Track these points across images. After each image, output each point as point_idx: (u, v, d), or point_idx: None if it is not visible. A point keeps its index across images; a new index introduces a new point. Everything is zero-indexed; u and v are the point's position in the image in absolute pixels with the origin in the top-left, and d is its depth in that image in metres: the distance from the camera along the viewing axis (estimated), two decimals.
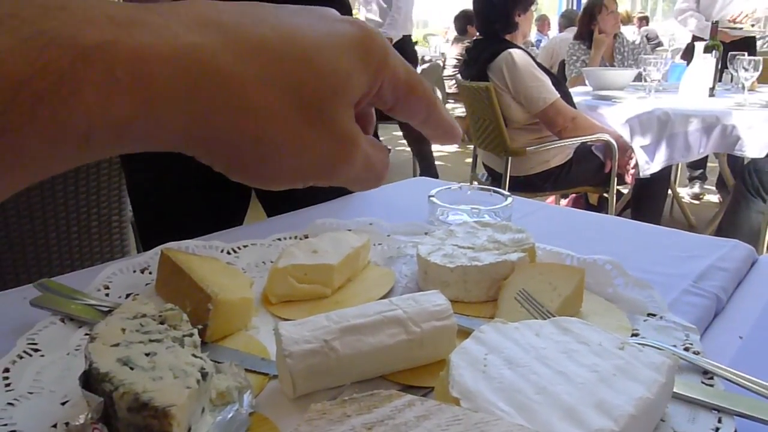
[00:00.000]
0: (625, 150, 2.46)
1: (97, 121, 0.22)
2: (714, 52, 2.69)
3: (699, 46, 2.74)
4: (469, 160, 3.32)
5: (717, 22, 2.90)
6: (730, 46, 3.27)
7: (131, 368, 0.39)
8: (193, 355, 0.42)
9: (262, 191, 1.10)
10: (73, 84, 0.21)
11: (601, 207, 2.88)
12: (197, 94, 0.24)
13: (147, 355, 0.41)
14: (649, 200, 2.84)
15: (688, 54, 3.40)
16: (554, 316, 0.50)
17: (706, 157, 2.98)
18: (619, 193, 3.03)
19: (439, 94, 5.93)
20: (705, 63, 2.69)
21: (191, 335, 0.44)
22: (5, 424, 0.42)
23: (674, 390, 0.43)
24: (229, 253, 0.73)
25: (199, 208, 1.03)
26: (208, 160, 0.27)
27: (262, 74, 0.25)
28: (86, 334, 0.55)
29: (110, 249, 1.53)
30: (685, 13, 3.85)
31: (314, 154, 0.28)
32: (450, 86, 5.99)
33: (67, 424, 0.39)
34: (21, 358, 0.51)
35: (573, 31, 4.00)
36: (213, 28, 0.25)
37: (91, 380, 0.39)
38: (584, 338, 0.44)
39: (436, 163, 4.40)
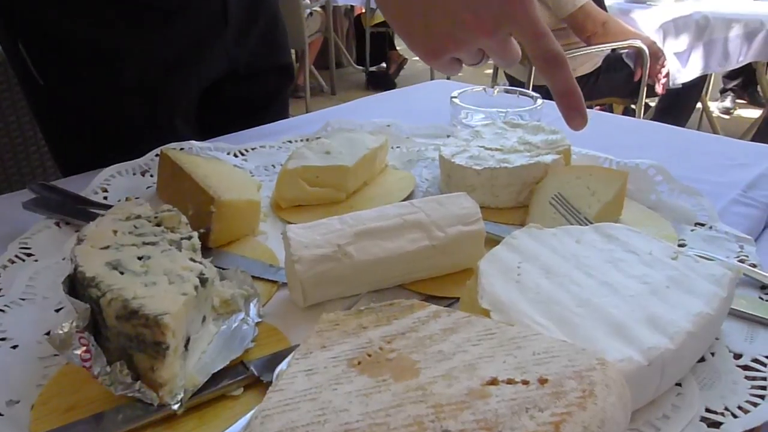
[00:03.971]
0: (658, 57, 2.29)
1: None
2: None
3: None
4: (489, 71, 3.16)
5: None
6: None
7: (121, 273, 0.34)
8: (192, 260, 0.37)
9: None
10: None
11: None
12: None
13: (140, 258, 0.36)
14: (675, 111, 2.69)
15: None
16: (592, 224, 0.44)
17: (746, 66, 2.77)
18: (647, 106, 2.88)
19: None
20: None
21: (190, 238, 0.40)
22: None
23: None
24: (236, 155, 0.68)
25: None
26: None
27: None
28: None
29: None
30: None
31: None
32: None
33: (48, 333, 0.35)
34: (12, 263, 0.48)
35: None
36: None
37: (76, 285, 0.35)
38: (632, 246, 0.39)
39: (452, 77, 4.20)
